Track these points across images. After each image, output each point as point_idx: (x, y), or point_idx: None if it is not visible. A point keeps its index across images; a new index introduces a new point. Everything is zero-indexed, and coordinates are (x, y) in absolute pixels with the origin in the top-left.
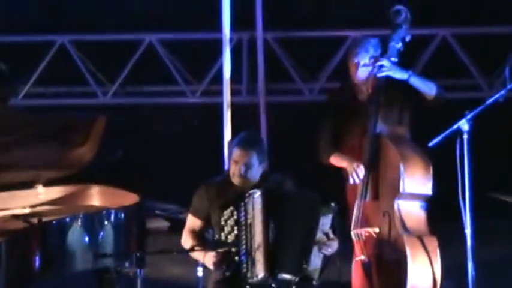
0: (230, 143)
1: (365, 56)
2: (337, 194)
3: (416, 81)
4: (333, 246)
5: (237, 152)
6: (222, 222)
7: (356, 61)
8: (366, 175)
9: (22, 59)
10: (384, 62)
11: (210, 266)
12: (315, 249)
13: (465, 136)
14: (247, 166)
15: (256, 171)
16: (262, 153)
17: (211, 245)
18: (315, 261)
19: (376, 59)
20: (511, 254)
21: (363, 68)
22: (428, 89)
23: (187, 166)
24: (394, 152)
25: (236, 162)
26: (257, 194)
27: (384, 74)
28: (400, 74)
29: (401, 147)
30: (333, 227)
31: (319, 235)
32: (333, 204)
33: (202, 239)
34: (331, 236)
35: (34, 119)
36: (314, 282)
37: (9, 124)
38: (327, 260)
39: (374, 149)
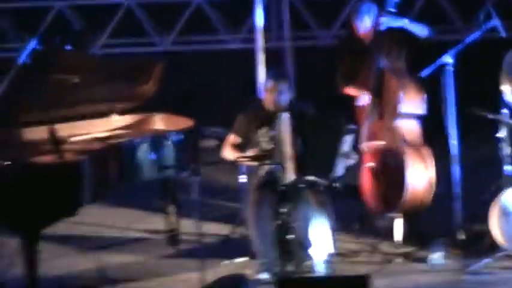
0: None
1: (365, 18)
2: (350, 118)
3: (411, 25)
4: (353, 159)
5: (270, 83)
6: (259, 139)
7: (358, 22)
8: (373, 100)
9: (96, 17)
10: (383, 20)
11: (254, 163)
12: (339, 160)
13: (449, 68)
14: (279, 93)
15: (286, 98)
16: (288, 83)
17: (252, 156)
18: (340, 170)
19: (377, 21)
20: (487, 159)
21: (363, 26)
22: (421, 30)
23: (231, 98)
24: (395, 82)
25: (270, 90)
26: (286, 115)
27: (384, 26)
28: (397, 23)
29: (400, 77)
30: (353, 144)
31: (344, 149)
32: (352, 127)
33: (243, 151)
34: (353, 151)
35: (108, 63)
36: (337, 185)
37: (90, 67)
38: (347, 169)
39: (379, 79)
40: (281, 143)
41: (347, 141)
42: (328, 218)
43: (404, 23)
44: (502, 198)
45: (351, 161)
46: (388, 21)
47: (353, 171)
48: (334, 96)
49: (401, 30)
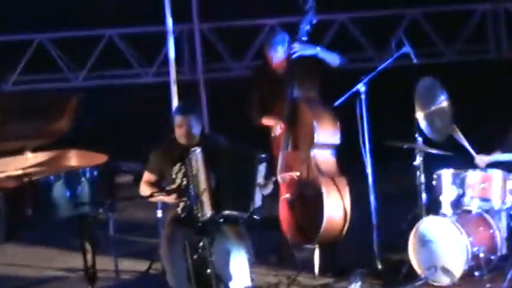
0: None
1: (279, 49)
2: (266, 149)
3: (324, 54)
4: (269, 188)
5: (178, 118)
6: (174, 176)
7: (271, 53)
8: (287, 131)
9: (7, 54)
10: (296, 47)
11: (170, 201)
12: (257, 191)
13: (362, 96)
14: (189, 127)
15: (197, 131)
16: (198, 115)
17: (167, 191)
18: (258, 201)
19: (290, 55)
20: (403, 188)
21: (277, 56)
22: (333, 59)
23: (145, 132)
24: (308, 112)
25: (180, 126)
26: (198, 150)
27: (296, 55)
28: (310, 51)
29: (314, 107)
30: (266, 173)
31: (260, 180)
32: (264, 156)
33: (158, 187)
34: (267, 180)
35: (21, 99)
36: (257, 217)
37: (1, 104)
38: (264, 200)
39: (292, 109)
40: (195, 178)
41: (261, 171)
42: (246, 251)
43: (317, 51)
44: (419, 227)
45: (267, 190)
46: (300, 49)
47: (271, 202)
48: (248, 127)
49: (314, 59)
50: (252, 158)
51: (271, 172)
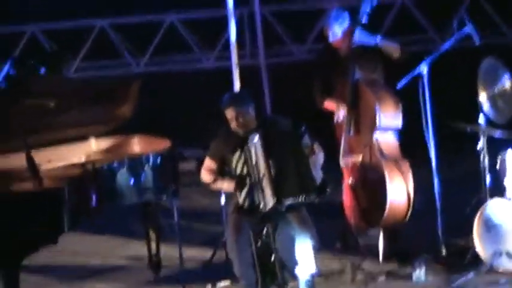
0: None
1: (337, 28)
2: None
3: (383, 46)
4: (320, 155)
5: (229, 112)
6: (234, 165)
7: (329, 31)
8: (349, 114)
9: (69, 41)
10: (356, 34)
11: (231, 189)
12: (311, 166)
13: (425, 77)
14: (242, 118)
15: (250, 118)
16: (246, 103)
17: (229, 177)
18: (318, 174)
19: (349, 31)
20: (467, 172)
21: (334, 34)
22: (392, 50)
23: (207, 118)
24: (370, 94)
25: (231, 119)
26: (256, 138)
27: (356, 43)
28: (370, 40)
29: (376, 90)
30: (312, 141)
31: (307, 152)
32: (303, 127)
33: (219, 175)
34: (315, 147)
35: (84, 86)
36: (328, 190)
37: (65, 91)
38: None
39: (354, 92)
40: (255, 167)
41: (307, 144)
42: (310, 237)
43: (377, 41)
44: (484, 211)
45: (320, 158)
46: (361, 37)
47: (334, 188)
48: (311, 112)
49: (374, 49)
50: (297, 135)
51: (332, 156)
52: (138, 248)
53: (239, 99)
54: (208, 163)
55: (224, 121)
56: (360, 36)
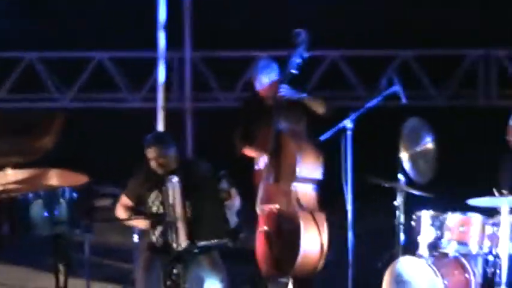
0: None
1: (264, 77)
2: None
3: (309, 102)
4: (236, 200)
5: (150, 152)
6: (150, 204)
7: (255, 79)
8: (270, 162)
9: None
10: (283, 89)
11: (145, 227)
12: (227, 210)
13: (349, 132)
14: (163, 158)
15: (171, 159)
16: (168, 144)
17: (145, 215)
18: (233, 218)
19: (275, 83)
20: (382, 227)
21: (261, 82)
22: (318, 105)
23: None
24: (292, 145)
25: (151, 158)
26: (175, 179)
27: (283, 95)
28: (295, 96)
29: (298, 141)
30: (230, 186)
31: (223, 196)
32: (222, 172)
33: (135, 212)
34: (233, 192)
35: (6, 116)
36: (242, 235)
37: None
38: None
39: (277, 142)
40: (171, 207)
41: (224, 188)
42: (220, 280)
43: (303, 97)
44: (395, 266)
45: (236, 203)
46: (287, 92)
47: (247, 235)
48: (232, 158)
49: (300, 103)
50: (215, 179)
51: (249, 202)
52: (47, 281)
53: (162, 140)
54: (125, 200)
55: (144, 160)
56: (286, 92)
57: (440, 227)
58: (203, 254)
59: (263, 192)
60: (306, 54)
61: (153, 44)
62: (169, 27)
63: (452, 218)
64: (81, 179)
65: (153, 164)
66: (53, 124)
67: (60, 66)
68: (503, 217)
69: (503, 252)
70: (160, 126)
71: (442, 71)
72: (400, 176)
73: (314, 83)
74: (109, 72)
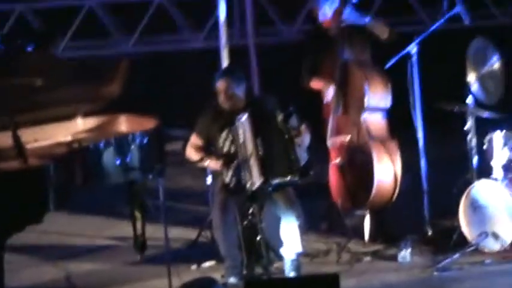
0: None
1: (327, 7)
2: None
3: (372, 27)
4: (306, 137)
5: (221, 83)
6: (221, 144)
7: (321, 11)
8: (338, 94)
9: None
10: (346, 13)
11: (217, 168)
12: (297, 147)
13: (414, 58)
14: (231, 91)
15: (240, 94)
16: (239, 78)
17: (216, 155)
18: (303, 155)
19: (339, 11)
20: (454, 153)
21: (323, 14)
22: (382, 31)
23: (194, 97)
24: (359, 75)
25: (220, 91)
26: (244, 117)
27: (346, 23)
28: (359, 21)
29: (365, 70)
30: (299, 122)
31: (293, 134)
32: (291, 108)
33: (205, 152)
34: (302, 128)
35: (72, 63)
36: (311, 172)
37: (53, 69)
38: (309, 150)
39: (343, 72)
40: (242, 146)
41: (293, 124)
42: (296, 218)
43: (366, 21)
44: (470, 192)
45: (306, 139)
46: (350, 17)
47: (321, 168)
48: (299, 93)
49: (363, 29)
50: (284, 116)
51: (320, 135)
52: (124, 228)
53: (233, 72)
54: (195, 140)
55: (211, 100)
56: (349, 16)
57: None
58: (277, 192)
59: (333, 124)
60: None
61: None
62: None
63: None
64: (150, 123)
65: (221, 98)
66: (118, 70)
67: (121, 11)
68: None
69: None
70: (225, 65)
71: None
72: (469, 99)
73: (375, 10)
74: (170, 14)
